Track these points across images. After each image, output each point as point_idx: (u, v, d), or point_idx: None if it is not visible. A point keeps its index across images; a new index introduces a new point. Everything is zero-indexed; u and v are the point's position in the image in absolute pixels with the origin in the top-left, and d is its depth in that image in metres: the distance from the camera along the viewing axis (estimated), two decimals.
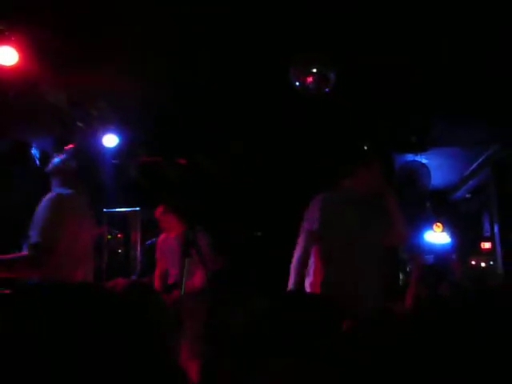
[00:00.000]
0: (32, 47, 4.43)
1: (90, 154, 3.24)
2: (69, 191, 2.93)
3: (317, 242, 3.46)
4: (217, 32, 4.50)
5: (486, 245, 9.09)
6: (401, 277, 8.36)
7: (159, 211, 5.43)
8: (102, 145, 6.44)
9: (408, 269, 8.68)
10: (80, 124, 5.87)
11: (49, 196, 2.82)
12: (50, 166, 3.15)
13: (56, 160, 3.14)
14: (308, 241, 3.45)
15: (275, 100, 5.60)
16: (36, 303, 0.74)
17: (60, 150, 3.20)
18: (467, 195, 9.47)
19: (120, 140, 6.47)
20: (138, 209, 6.73)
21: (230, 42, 4.66)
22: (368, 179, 3.64)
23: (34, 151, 5.77)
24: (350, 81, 5.02)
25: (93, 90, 5.44)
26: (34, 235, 2.69)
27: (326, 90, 4.91)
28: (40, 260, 2.63)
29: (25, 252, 2.76)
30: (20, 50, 4.40)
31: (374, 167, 3.69)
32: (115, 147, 6.55)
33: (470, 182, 8.82)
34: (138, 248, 6.53)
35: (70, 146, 3.21)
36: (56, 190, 2.94)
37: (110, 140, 6.45)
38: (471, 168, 8.38)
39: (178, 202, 5.31)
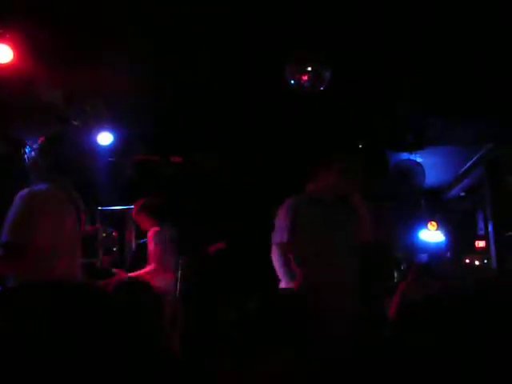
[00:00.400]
0: (27, 45, 4.42)
1: (67, 145, 3.08)
2: (43, 186, 2.84)
3: (289, 253, 3.52)
4: (215, 31, 4.51)
5: (481, 243, 9.12)
6: (395, 275, 8.39)
7: (133, 211, 5.51)
8: (96, 142, 6.44)
9: (403, 267, 8.70)
10: (75, 122, 5.86)
11: (20, 193, 2.75)
12: (26, 162, 3.07)
13: (29, 155, 3.06)
14: (281, 254, 3.53)
15: (271, 98, 5.61)
16: (29, 302, 0.74)
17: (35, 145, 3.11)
18: (461, 194, 9.50)
19: (115, 138, 6.46)
20: (132, 207, 6.73)
21: (227, 41, 4.67)
22: (330, 182, 3.71)
23: (29, 150, 5.75)
24: (345, 79, 5.03)
25: (88, 87, 5.43)
26: (3, 234, 2.63)
27: (321, 88, 4.92)
28: (10, 259, 2.57)
29: None
30: (15, 47, 4.39)
31: (335, 170, 3.74)
32: (110, 145, 6.54)
33: (465, 181, 8.85)
34: (133, 246, 6.52)
35: (41, 138, 3.08)
36: (31, 186, 2.85)
37: (105, 138, 6.44)
38: (465, 167, 8.40)
39: (152, 201, 5.30)
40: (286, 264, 3.51)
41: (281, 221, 3.63)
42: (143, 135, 5.45)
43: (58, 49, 4.57)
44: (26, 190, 2.75)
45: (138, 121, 6.05)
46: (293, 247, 3.53)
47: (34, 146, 3.02)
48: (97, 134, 6.38)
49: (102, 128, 6.35)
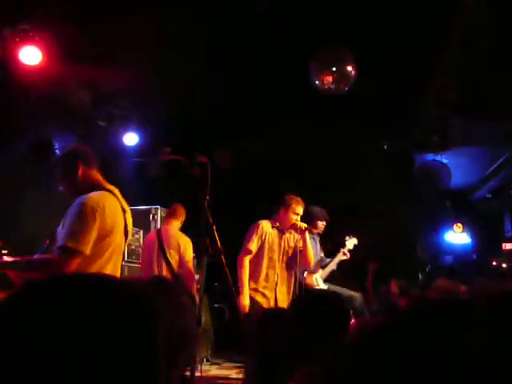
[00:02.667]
0: (55, 47, 4.49)
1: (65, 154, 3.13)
2: (99, 192, 2.91)
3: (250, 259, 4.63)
4: (240, 31, 4.53)
5: (508, 246, 8.98)
6: (420, 277, 8.30)
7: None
8: (122, 143, 6.53)
9: (427, 269, 8.62)
10: (102, 123, 5.95)
11: (79, 199, 2.81)
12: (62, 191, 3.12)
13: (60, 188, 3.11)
14: (246, 259, 4.59)
15: (295, 99, 5.61)
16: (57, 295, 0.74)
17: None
18: (488, 195, 9.36)
19: (141, 138, 6.55)
20: (157, 206, 6.78)
21: (252, 41, 4.68)
22: (285, 219, 4.76)
23: (57, 150, 5.86)
24: (370, 80, 5.01)
25: (115, 89, 5.50)
26: (62, 238, 2.70)
27: (346, 88, 4.90)
28: (66, 263, 2.65)
29: (50, 254, 2.79)
30: (44, 50, 4.46)
31: (291, 210, 4.74)
32: (136, 146, 6.63)
33: (491, 182, 8.72)
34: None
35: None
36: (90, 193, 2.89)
37: (131, 139, 6.53)
38: (492, 168, 8.28)
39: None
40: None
41: (250, 234, 4.68)
42: (169, 135, 5.50)
43: (85, 51, 4.65)
44: (83, 197, 2.80)
45: (163, 121, 6.11)
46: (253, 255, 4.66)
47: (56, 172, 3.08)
48: (123, 135, 6.47)
49: (127, 129, 6.44)
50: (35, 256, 2.96)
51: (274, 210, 4.88)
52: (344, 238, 6.03)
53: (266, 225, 4.75)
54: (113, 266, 2.92)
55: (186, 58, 4.90)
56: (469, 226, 9.51)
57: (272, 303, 4.62)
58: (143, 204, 6.52)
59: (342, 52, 4.81)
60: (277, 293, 4.65)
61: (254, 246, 4.63)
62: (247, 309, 4.46)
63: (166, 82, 5.19)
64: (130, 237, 3.14)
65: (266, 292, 4.63)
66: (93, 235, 2.72)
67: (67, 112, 5.41)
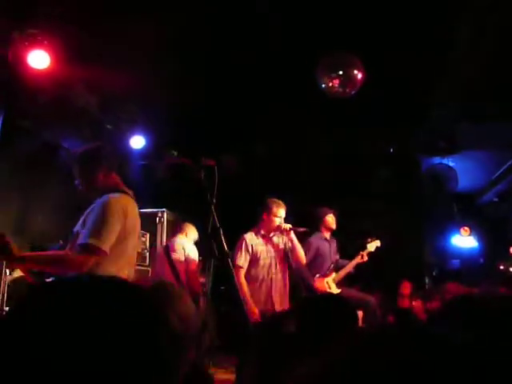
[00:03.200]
0: (63, 51, 4.52)
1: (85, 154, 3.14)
2: (121, 194, 2.94)
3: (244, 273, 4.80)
4: (247, 33, 4.54)
5: None
6: (426, 281, 8.28)
7: None
8: (129, 146, 6.55)
9: (434, 273, 8.59)
10: (109, 126, 5.97)
11: (103, 198, 2.84)
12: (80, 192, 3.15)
13: (78, 186, 3.13)
14: (240, 274, 4.71)
15: (302, 103, 5.61)
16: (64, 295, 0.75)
17: None
18: (495, 199, 9.32)
19: (147, 141, 6.57)
20: (163, 209, 6.79)
21: (257, 45, 4.70)
22: (268, 222, 4.88)
23: (63, 152, 5.89)
24: (377, 82, 5.00)
25: (122, 92, 5.52)
26: (83, 236, 2.72)
27: (352, 92, 4.91)
28: (86, 260, 2.67)
29: (70, 250, 2.81)
30: (52, 53, 4.49)
31: (272, 213, 4.85)
32: (142, 149, 6.65)
33: (498, 186, 8.69)
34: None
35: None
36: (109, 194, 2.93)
37: (138, 142, 6.55)
38: (499, 172, 8.25)
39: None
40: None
41: (238, 249, 4.81)
42: (175, 138, 5.52)
43: (92, 55, 4.67)
44: (107, 197, 2.84)
45: (170, 124, 6.12)
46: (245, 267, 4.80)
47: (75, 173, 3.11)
48: (130, 138, 6.49)
49: (134, 132, 6.46)
50: (50, 252, 2.98)
51: (257, 216, 5.00)
52: (362, 241, 6.00)
53: (249, 237, 4.89)
54: (129, 269, 2.95)
55: (193, 60, 4.92)
56: (476, 230, 9.47)
57: (269, 307, 4.73)
58: (149, 207, 6.54)
59: (349, 56, 4.81)
60: (273, 297, 4.77)
61: (242, 261, 4.78)
62: (256, 316, 4.55)
63: (172, 85, 5.20)
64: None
65: (262, 297, 4.76)
66: (114, 235, 2.75)
67: (74, 115, 5.44)
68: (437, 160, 6.99)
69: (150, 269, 6.32)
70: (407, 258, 8.22)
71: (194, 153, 3.10)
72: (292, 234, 4.88)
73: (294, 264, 5.00)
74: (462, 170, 6.97)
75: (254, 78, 5.22)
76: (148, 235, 6.46)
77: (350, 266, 5.80)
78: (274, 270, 4.83)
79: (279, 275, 4.85)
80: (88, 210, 2.86)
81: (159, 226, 6.69)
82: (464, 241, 9.43)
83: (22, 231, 5.45)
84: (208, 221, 2.99)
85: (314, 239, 5.68)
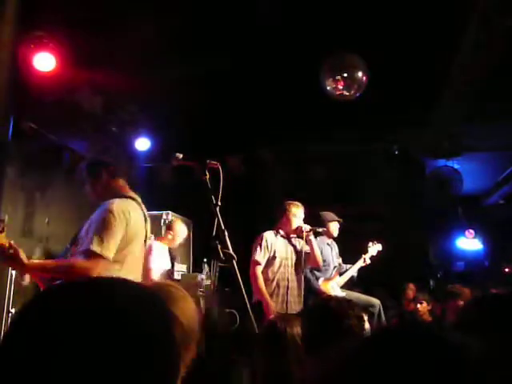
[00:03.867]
0: (69, 54, 4.54)
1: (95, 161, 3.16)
2: (124, 199, 2.94)
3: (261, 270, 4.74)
4: (251, 35, 4.55)
5: None
6: (431, 283, 8.25)
7: None
8: (134, 148, 6.57)
9: (439, 275, 8.56)
10: (114, 128, 5.99)
11: (105, 204, 2.84)
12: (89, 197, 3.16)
13: (86, 190, 3.15)
14: (258, 270, 4.69)
15: (307, 106, 5.62)
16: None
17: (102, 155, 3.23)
18: (500, 201, 9.30)
19: (152, 144, 6.58)
20: (168, 211, 6.81)
21: (262, 48, 4.70)
22: (288, 224, 4.87)
23: (69, 154, 5.91)
24: (382, 84, 5.00)
25: (127, 95, 5.54)
26: (86, 242, 2.73)
27: (357, 94, 4.91)
28: (91, 267, 2.67)
29: (75, 257, 2.81)
30: (57, 56, 4.51)
31: (292, 214, 4.84)
32: (147, 151, 6.67)
33: (504, 188, 8.66)
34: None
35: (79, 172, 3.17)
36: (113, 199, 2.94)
37: (143, 144, 6.57)
38: (504, 174, 8.23)
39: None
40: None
41: (256, 246, 4.77)
42: (180, 141, 5.53)
43: (98, 57, 4.69)
44: (108, 203, 2.84)
45: (174, 126, 6.14)
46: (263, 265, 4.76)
47: (83, 178, 3.13)
48: (135, 140, 6.51)
49: (139, 134, 6.48)
50: (59, 259, 3.00)
51: (276, 219, 5.00)
52: (367, 244, 6.02)
53: (269, 236, 4.85)
54: (138, 272, 2.95)
55: (198, 62, 4.93)
56: (481, 232, 9.44)
57: (284, 307, 4.68)
58: (154, 209, 6.55)
59: (353, 58, 4.81)
60: (288, 296, 4.72)
61: (260, 257, 4.74)
62: (273, 311, 4.53)
63: (177, 88, 5.21)
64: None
65: (279, 298, 4.71)
66: (117, 241, 2.75)
67: (80, 117, 5.46)
68: (442, 162, 6.97)
69: None
70: (412, 260, 8.20)
71: (199, 155, 3.10)
72: (311, 236, 4.86)
73: (310, 265, 5.01)
74: (467, 171, 6.95)
75: (257, 79, 5.23)
76: (153, 237, 6.46)
77: (353, 270, 5.84)
78: (290, 271, 4.80)
79: (294, 277, 4.82)
80: (91, 216, 2.87)
81: (164, 228, 6.70)
82: (469, 243, 9.40)
83: (29, 233, 5.47)
84: (213, 223, 3.00)
85: (318, 243, 5.69)
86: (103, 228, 2.73)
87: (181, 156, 3.09)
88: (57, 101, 4.94)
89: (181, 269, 6.23)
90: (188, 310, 1.42)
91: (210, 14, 4.45)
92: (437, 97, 5.57)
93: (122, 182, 3.09)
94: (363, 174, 7.41)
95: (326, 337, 2.01)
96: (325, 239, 5.75)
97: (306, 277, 5.17)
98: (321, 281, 5.53)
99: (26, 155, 5.32)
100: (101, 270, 2.69)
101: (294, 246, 4.92)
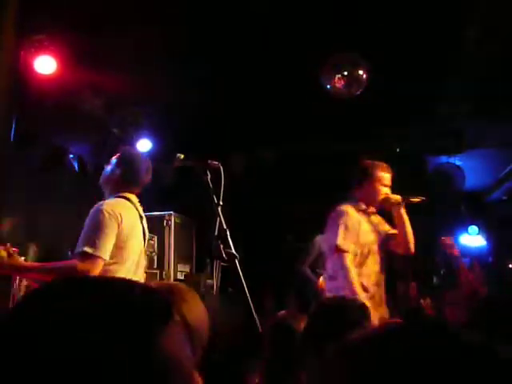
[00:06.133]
0: (69, 56, 4.55)
1: (134, 160, 3.18)
2: (116, 199, 2.97)
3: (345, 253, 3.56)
4: (252, 36, 4.55)
5: None
6: (434, 280, 8.24)
7: None
8: (136, 149, 6.58)
9: (442, 272, 8.54)
10: (115, 130, 6.00)
11: (96, 206, 2.86)
12: (101, 177, 3.18)
13: (105, 170, 3.17)
14: (345, 259, 3.51)
15: (308, 104, 5.61)
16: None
17: (107, 160, 3.23)
18: (503, 197, 9.28)
19: (154, 145, 6.59)
20: (170, 212, 6.81)
21: (262, 48, 4.71)
22: (371, 193, 3.73)
23: (71, 157, 5.92)
24: (383, 81, 5.00)
25: (128, 96, 5.55)
26: (78, 244, 2.74)
27: (358, 92, 4.91)
28: (86, 268, 2.65)
29: (71, 260, 2.82)
30: (58, 58, 4.52)
31: (377, 180, 3.74)
32: (149, 152, 6.67)
33: (506, 184, 8.64)
34: (172, 252, 6.60)
35: (117, 155, 3.20)
36: (107, 199, 2.99)
37: (144, 145, 6.57)
38: (507, 170, 8.20)
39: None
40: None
41: (334, 226, 3.65)
42: (182, 141, 5.54)
43: (98, 59, 4.70)
44: (101, 203, 2.85)
45: (176, 127, 6.15)
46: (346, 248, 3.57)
47: (113, 160, 3.13)
48: (136, 141, 6.52)
49: (141, 135, 6.48)
50: (56, 262, 3.02)
51: (351, 188, 3.83)
52: None
53: (350, 211, 3.65)
54: (138, 271, 2.96)
55: (200, 63, 4.93)
56: (484, 229, 9.43)
57: (378, 301, 3.62)
58: (157, 210, 6.55)
59: (354, 56, 4.81)
60: (370, 289, 3.61)
61: (345, 242, 3.54)
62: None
63: (179, 88, 5.22)
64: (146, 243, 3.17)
65: (372, 291, 3.60)
66: (110, 241, 2.76)
67: (81, 119, 5.47)
68: (444, 159, 6.96)
69: (158, 271, 6.33)
70: (415, 257, 8.18)
71: (200, 155, 3.11)
72: (402, 209, 3.70)
73: (398, 251, 3.87)
74: (470, 168, 6.94)
75: (259, 79, 5.23)
76: (156, 238, 6.47)
77: None
78: (375, 258, 3.67)
79: (377, 265, 3.69)
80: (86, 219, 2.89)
81: (167, 229, 6.70)
82: (472, 240, 9.39)
83: (33, 236, 5.47)
84: (215, 223, 3.00)
85: (319, 239, 5.70)
86: (95, 229, 2.75)
87: (182, 156, 3.10)
88: (58, 103, 4.96)
89: (183, 269, 6.24)
90: (197, 312, 1.42)
91: (211, 15, 4.45)
92: (439, 93, 5.56)
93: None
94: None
95: (330, 335, 2.01)
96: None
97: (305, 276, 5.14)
98: (322, 279, 5.53)
99: (27, 157, 5.33)
100: (97, 270, 2.69)
101: (376, 225, 3.77)
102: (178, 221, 6.79)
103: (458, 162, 6.84)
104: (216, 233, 2.92)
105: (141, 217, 3.07)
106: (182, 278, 5.81)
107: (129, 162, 3.10)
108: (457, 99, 5.59)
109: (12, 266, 2.70)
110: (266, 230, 7.56)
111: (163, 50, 4.68)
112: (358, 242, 3.59)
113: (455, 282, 5.50)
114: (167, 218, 6.74)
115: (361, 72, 4.83)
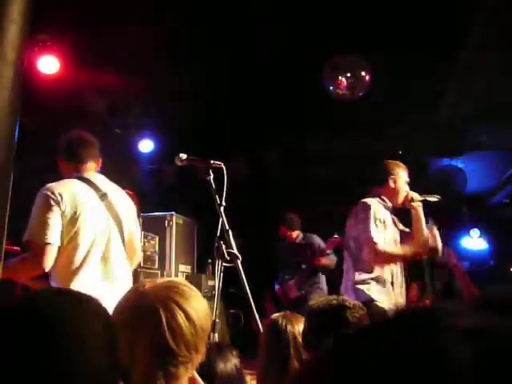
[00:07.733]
0: (72, 56, 4.56)
1: (66, 141, 3.04)
2: (60, 181, 2.77)
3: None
4: (254, 37, 4.56)
5: None
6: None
7: None
8: (138, 150, 6.59)
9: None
10: (118, 130, 6.01)
11: (40, 190, 2.70)
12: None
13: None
14: (379, 248, 3.41)
15: (311, 105, 5.62)
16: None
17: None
18: (505, 200, 9.27)
19: (156, 145, 6.60)
20: (172, 213, 6.82)
21: (262, 48, 4.71)
22: (396, 192, 3.71)
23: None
24: (385, 84, 5.00)
25: (131, 96, 5.56)
26: (25, 234, 2.59)
27: (360, 94, 4.91)
28: (36, 258, 2.49)
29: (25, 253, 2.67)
30: (61, 58, 4.54)
31: (402, 179, 3.74)
32: (151, 152, 6.68)
33: (508, 187, 8.64)
34: (173, 252, 6.60)
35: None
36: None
37: (146, 145, 6.59)
38: (509, 173, 8.20)
39: None
40: None
41: (359, 220, 3.56)
42: (184, 142, 5.56)
43: (101, 59, 4.71)
44: (42, 188, 2.69)
45: (178, 128, 6.15)
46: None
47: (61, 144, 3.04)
48: (138, 142, 6.53)
49: (143, 136, 6.50)
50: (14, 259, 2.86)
51: (372, 186, 3.80)
52: None
53: (377, 206, 3.58)
54: (103, 259, 2.71)
55: (201, 64, 4.94)
56: (486, 232, 9.42)
57: (396, 298, 3.57)
58: (158, 210, 6.56)
59: (357, 58, 4.82)
60: (395, 287, 3.58)
61: (378, 234, 3.45)
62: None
63: (181, 89, 5.23)
64: (130, 229, 2.95)
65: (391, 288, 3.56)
66: (53, 224, 2.55)
67: (84, 119, 5.48)
68: (446, 162, 6.96)
69: (159, 271, 6.33)
70: (416, 259, 8.17)
71: (203, 156, 3.12)
72: (420, 209, 3.70)
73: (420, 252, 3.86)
74: (471, 171, 6.93)
75: (260, 80, 5.24)
76: (157, 238, 6.47)
77: None
78: None
79: (399, 264, 3.68)
80: None
81: (168, 230, 6.71)
82: (474, 243, 9.38)
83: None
84: (217, 223, 3.01)
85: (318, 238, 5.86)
86: (33, 215, 2.60)
87: (184, 156, 3.09)
88: (61, 103, 4.97)
89: (185, 269, 6.24)
90: (200, 310, 1.42)
91: (210, 15, 4.46)
92: (441, 96, 5.56)
93: (75, 166, 2.95)
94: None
95: (326, 333, 2.02)
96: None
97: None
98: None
99: (31, 157, 5.33)
100: (49, 255, 2.49)
101: (396, 223, 3.76)
102: (179, 221, 6.80)
103: (460, 165, 6.84)
104: (218, 233, 2.92)
105: (104, 194, 2.82)
106: (183, 278, 5.81)
107: (63, 146, 2.99)
108: (459, 101, 5.59)
109: None
110: (265, 230, 7.55)
111: (166, 51, 4.69)
112: (384, 238, 3.52)
113: (456, 291, 5.50)
114: (169, 218, 6.74)
115: (364, 73, 4.83)
